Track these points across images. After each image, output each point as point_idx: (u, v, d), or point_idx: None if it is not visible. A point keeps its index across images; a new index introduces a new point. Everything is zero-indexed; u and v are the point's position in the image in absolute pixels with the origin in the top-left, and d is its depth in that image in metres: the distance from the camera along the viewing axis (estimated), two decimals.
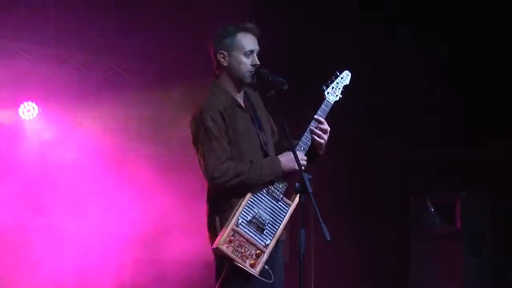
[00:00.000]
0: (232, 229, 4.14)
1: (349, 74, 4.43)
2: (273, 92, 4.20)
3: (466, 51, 7.60)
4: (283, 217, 4.24)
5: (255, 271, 4.14)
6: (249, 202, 4.19)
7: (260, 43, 4.36)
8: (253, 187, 4.19)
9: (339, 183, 7.92)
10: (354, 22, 7.79)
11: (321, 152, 4.38)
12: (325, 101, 4.33)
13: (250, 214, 4.19)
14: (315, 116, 4.29)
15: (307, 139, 4.27)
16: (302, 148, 4.25)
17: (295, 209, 4.28)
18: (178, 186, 7.33)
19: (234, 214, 4.16)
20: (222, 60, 4.32)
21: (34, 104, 7.67)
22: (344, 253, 8.03)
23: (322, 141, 4.31)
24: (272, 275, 4.17)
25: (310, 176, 4.05)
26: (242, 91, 4.40)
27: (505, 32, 7.42)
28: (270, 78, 4.24)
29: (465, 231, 7.44)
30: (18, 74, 7.44)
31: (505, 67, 7.48)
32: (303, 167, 4.14)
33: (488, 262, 7.48)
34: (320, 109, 4.31)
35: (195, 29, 7.12)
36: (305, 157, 4.24)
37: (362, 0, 7.88)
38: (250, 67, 4.29)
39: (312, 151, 4.33)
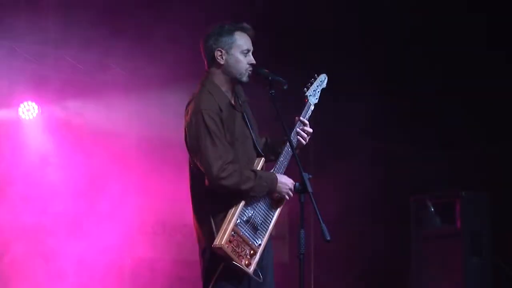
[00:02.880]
0: (233, 229, 4.16)
1: (326, 77, 4.57)
2: (273, 91, 4.23)
3: (466, 51, 7.60)
4: (271, 218, 4.30)
5: (250, 271, 4.17)
6: (246, 203, 4.22)
7: (254, 45, 4.39)
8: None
9: (338, 183, 7.91)
10: (353, 22, 7.79)
11: (298, 151, 4.42)
12: (308, 103, 4.46)
13: (246, 214, 4.22)
14: (300, 118, 4.39)
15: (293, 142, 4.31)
16: (288, 157, 4.32)
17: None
18: (178, 184, 7.32)
19: (234, 214, 4.17)
20: (219, 58, 4.32)
21: (34, 104, 7.67)
22: (344, 253, 8.03)
23: (305, 142, 4.40)
24: (261, 275, 4.21)
25: (310, 176, 4.06)
26: (233, 91, 4.41)
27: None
28: (270, 78, 4.26)
29: (465, 231, 7.44)
30: (18, 74, 7.44)
31: (505, 67, 7.48)
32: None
33: (488, 262, 7.48)
34: (304, 111, 4.42)
35: (195, 28, 7.13)
36: (291, 185, 4.26)
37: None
38: (247, 65, 4.31)
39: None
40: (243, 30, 4.35)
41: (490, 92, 7.54)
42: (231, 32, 4.32)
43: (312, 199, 3.94)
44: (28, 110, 7.67)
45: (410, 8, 7.41)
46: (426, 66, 7.79)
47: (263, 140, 4.51)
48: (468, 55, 7.50)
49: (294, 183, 4.22)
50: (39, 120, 7.66)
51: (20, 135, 7.64)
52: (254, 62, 4.32)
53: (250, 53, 4.34)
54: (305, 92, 4.45)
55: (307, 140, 4.40)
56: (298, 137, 4.36)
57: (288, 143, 4.27)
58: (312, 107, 4.45)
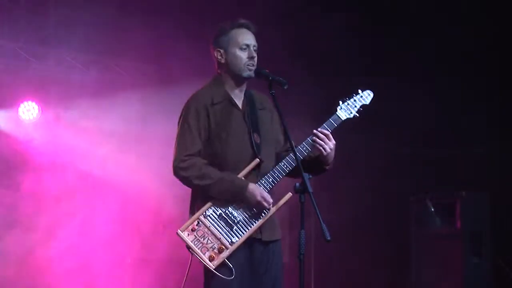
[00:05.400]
0: (198, 218, 4.17)
1: (371, 94, 4.45)
2: (274, 92, 4.23)
3: (467, 50, 7.61)
4: (257, 220, 4.22)
5: (211, 265, 4.13)
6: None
7: (258, 38, 4.39)
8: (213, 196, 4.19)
9: (339, 183, 7.91)
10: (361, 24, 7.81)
11: (327, 167, 4.34)
12: (335, 115, 4.32)
13: (222, 209, 4.19)
14: (319, 129, 4.26)
15: (300, 152, 4.21)
16: (287, 164, 4.21)
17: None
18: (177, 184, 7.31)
19: (206, 205, 4.19)
20: (220, 58, 4.37)
21: (34, 104, 7.68)
22: (344, 253, 8.03)
23: (324, 152, 4.25)
24: (234, 273, 4.12)
25: (310, 176, 4.05)
26: (243, 91, 4.41)
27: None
28: (270, 78, 4.25)
29: (465, 231, 7.45)
30: (18, 74, 7.45)
31: (506, 68, 7.49)
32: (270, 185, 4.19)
33: (488, 262, 7.49)
34: (327, 122, 4.30)
35: (195, 28, 7.14)
36: (270, 199, 4.19)
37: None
38: (246, 60, 4.33)
39: (317, 162, 4.31)
40: (240, 26, 4.38)
41: (490, 92, 7.56)
42: (228, 31, 4.36)
43: (312, 199, 3.93)
44: (28, 110, 7.68)
45: None
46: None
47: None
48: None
49: (263, 195, 4.15)
50: (39, 120, 7.67)
51: (20, 135, 7.65)
52: (254, 55, 4.33)
53: (251, 48, 4.34)
54: (338, 105, 4.34)
55: (327, 150, 4.24)
56: (316, 145, 4.23)
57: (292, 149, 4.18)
58: (339, 121, 4.31)
